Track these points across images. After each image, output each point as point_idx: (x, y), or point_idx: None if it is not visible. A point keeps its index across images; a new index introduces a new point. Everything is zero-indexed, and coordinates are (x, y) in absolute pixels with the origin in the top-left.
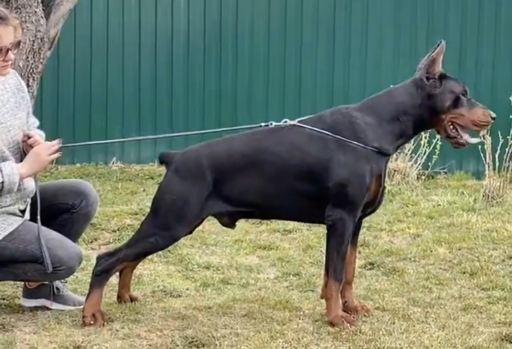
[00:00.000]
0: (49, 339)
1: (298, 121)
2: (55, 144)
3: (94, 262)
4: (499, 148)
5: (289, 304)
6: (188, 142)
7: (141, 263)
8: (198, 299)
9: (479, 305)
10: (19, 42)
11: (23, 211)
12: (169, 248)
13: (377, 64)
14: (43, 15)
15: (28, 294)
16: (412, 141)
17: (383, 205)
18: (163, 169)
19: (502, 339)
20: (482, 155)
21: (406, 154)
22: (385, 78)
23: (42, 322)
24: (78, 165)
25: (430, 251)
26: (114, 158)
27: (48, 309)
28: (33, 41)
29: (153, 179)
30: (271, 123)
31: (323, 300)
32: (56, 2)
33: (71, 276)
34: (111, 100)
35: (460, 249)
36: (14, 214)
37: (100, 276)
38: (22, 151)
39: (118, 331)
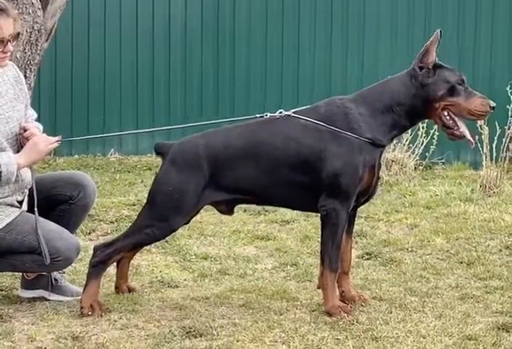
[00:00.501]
0: (47, 329)
1: (293, 112)
2: (53, 141)
3: (91, 253)
4: (496, 139)
5: (286, 294)
6: (185, 133)
7: (139, 254)
8: (195, 290)
9: (476, 295)
10: (18, 34)
11: (21, 203)
12: (167, 238)
13: (375, 52)
14: (40, 6)
15: (26, 285)
16: (410, 131)
17: (380, 195)
18: (160, 160)
19: (499, 329)
20: (479, 145)
21: (404, 145)
22: (383, 69)
23: (40, 313)
24: (76, 156)
25: (428, 242)
26: (112, 150)
27: (46, 300)
28: (30, 32)
29: (151, 170)
30: (266, 114)
31: (320, 290)
32: None
33: (69, 267)
34: (109, 91)
35: (457, 239)
36: (12, 205)
37: (96, 267)
38: (19, 144)
39: (116, 321)
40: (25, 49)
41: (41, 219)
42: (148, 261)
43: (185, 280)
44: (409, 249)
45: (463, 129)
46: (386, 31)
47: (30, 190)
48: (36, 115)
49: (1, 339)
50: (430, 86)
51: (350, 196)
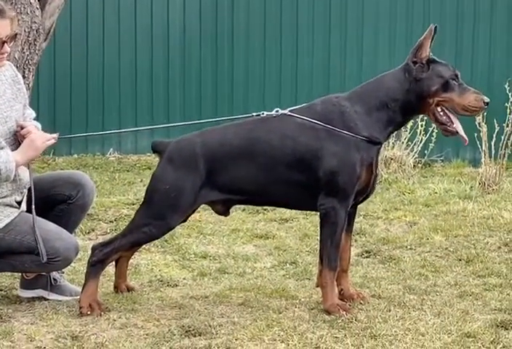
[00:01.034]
0: (47, 329)
1: (290, 111)
2: (50, 137)
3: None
4: (495, 136)
5: (285, 292)
6: (184, 131)
7: (138, 253)
8: (195, 289)
9: (475, 292)
10: (15, 35)
11: (20, 203)
12: (166, 237)
13: (374, 51)
14: (38, 6)
15: (26, 284)
16: (408, 129)
17: (379, 193)
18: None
19: (498, 326)
20: (478, 143)
21: (403, 142)
22: (382, 65)
23: (39, 312)
24: (75, 156)
25: (427, 239)
26: (111, 149)
27: (45, 299)
28: (29, 32)
29: (150, 169)
30: (263, 113)
31: (319, 288)
32: None
33: (68, 267)
34: (108, 90)
35: (456, 237)
36: (11, 206)
37: (95, 266)
38: (18, 143)
39: (115, 320)
40: (23, 48)
41: (40, 219)
42: (147, 260)
43: (184, 279)
44: (408, 247)
45: (457, 124)
46: (385, 30)
47: (29, 190)
48: (34, 115)
49: (1, 338)
50: (424, 80)
51: (348, 195)
